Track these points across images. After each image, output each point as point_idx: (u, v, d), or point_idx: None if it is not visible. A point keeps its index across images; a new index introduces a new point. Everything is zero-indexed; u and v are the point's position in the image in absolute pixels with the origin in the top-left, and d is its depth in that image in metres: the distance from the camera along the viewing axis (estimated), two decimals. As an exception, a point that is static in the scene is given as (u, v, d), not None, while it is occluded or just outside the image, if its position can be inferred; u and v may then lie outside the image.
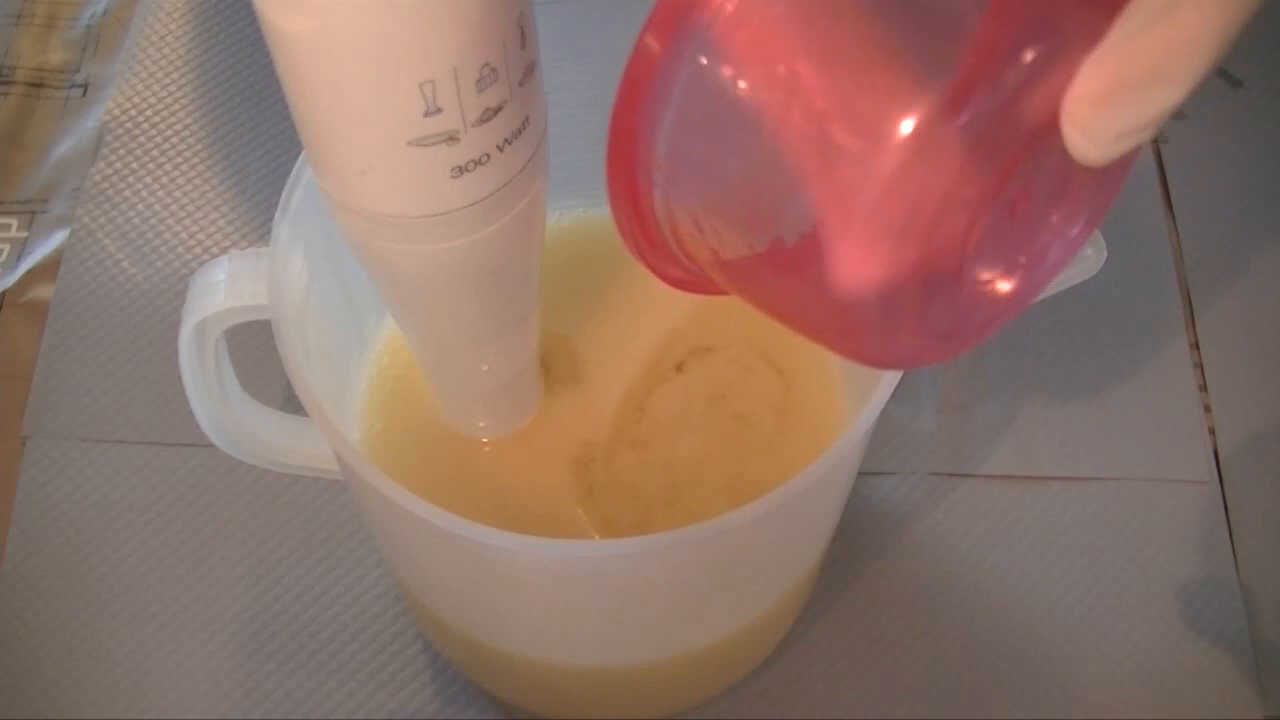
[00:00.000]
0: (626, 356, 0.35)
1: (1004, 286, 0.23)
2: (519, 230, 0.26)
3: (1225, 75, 0.49)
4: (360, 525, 0.40)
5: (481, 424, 0.34)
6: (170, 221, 0.46)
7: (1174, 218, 0.46)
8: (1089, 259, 0.28)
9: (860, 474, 0.33)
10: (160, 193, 0.46)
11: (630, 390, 0.35)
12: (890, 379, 0.27)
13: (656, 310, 0.36)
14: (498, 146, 0.24)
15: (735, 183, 0.23)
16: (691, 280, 0.27)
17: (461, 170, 0.24)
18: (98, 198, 0.46)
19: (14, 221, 0.46)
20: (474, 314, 0.29)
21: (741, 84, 0.22)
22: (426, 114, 0.22)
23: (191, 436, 0.40)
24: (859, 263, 0.21)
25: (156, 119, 0.48)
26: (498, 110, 0.23)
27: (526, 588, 0.29)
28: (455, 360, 0.31)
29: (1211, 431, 0.42)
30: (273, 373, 0.40)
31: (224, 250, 0.45)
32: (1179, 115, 0.48)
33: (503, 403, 0.33)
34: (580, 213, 0.38)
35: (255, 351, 0.41)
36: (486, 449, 0.34)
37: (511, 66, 0.23)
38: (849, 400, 0.34)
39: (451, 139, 0.23)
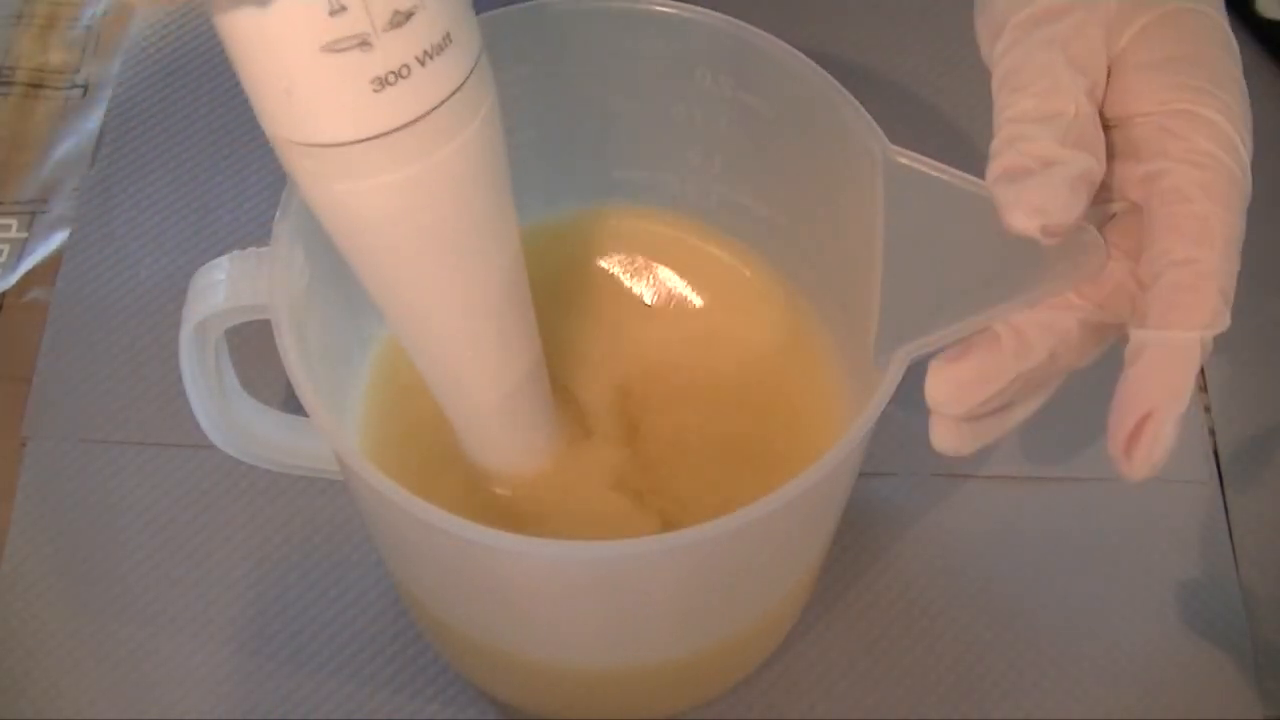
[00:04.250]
0: (621, 374, 0.35)
1: None
2: (465, 171, 0.26)
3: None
4: (360, 525, 0.40)
5: (495, 460, 0.33)
6: (170, 221, 0.46)
7: (1174, 218, 0.46)
8: (1090, 261, 0.28)
9: (860, 474, 0.34)
10: (160, 193, 0.46)
11: (630, 414, 0.35)
12: (890, 380, 0.27)
13: (656, 317, 0.36)
14: (417, 59, 0.23)
15: None
16: None
17: (383, 83, 0.23)
18: (98, 198, 0.46)
19: (14, 221, 0.46)
20: (447, 283, 0.28)
21: None
22: (331, 13, 0.22)
23: (191, 437, 0.40)
24: None
25: (156, 119, 0.48)
26: (409, 15, 0.23)
27: (526, 589, 0.29)
28: (448, 354, 0.30)
29: (1211, 431, 0.42)
30: (273, 373, 0.40)
31: (224, 250, 0.45)
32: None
33: (516, 432, 0.33)
34: (580, 212, 0.38)
35: (255, 351, 0.41)
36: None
37: None
38: (849, 401, 0.34)
39: (364, 44, 0.23)
